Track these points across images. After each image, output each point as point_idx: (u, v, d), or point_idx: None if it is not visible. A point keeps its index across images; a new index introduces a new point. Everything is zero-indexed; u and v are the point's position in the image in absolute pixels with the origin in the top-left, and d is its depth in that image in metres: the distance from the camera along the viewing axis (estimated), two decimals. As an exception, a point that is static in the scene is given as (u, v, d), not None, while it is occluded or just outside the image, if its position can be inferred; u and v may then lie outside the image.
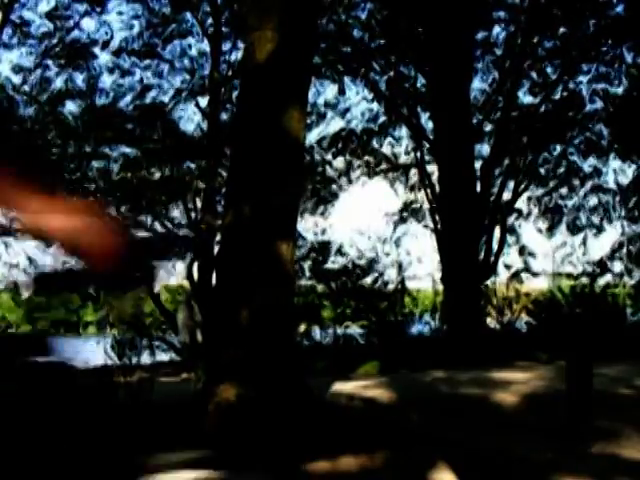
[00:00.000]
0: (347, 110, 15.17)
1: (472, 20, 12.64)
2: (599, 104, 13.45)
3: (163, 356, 15.42)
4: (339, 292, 14.15)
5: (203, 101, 14.97)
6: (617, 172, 14.45)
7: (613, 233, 14.80)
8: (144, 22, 14.48)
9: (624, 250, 14.57)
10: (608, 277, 14.65)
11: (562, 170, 14.34)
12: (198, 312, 13.05)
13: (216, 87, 14.23)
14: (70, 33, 14.10)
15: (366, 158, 15.47)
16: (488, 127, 13.94)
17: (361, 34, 13.66)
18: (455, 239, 12.14)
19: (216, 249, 13.25)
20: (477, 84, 14.02)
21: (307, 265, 14.45)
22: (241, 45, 10.15)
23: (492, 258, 13.10)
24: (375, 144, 15.41)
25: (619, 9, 12.69)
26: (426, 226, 15.06)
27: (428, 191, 14.00)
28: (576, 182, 14.38)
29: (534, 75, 13.56)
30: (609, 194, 14.48)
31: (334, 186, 15.77)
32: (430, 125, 13.68)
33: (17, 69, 14.21)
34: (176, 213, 15.85)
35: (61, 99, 14.31)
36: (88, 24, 14.57)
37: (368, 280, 14.54)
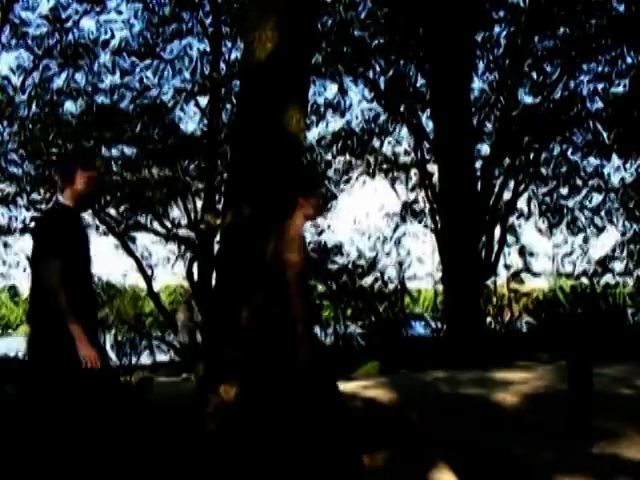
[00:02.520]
0: (347, 110, 15.18)
1: (472, 19, 12.62)
2: (600, 104, 13.45)
3: (163, 356, 15.44)
4: (339, 292, 14.15)
5: (203, 101, 14.99)
6: (618, 171, 14.45)
7: (614, 233, 14.81)
8: (144, 22, 14.50)
9: (625, 250, 14.56)
10: (609, 277, 14.65)
11: (563, 170, 14.33)
12: (198, 312, 13.08)
13: (216, 87, 14.22)
14: (69, 33, 14.10)
15: (366, 158, 15.46)
16: (488, 127, 13.95)
17: (361, 33, 13.65)
18: (455, 239, 12.13)
19: (216, 249, 13.24)
20: (477, 84, 14.03)
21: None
22: (241, 45, 10.15)
23: (492, 258, 13.09)
24: (375, 144, 15.42)
25: (620, 8, 12.68)
26: (426, 226, 15.07)
27: (428, 191, 14.00)
28: (578, 182, 14.35)
29: (534, 75, 13.55)
30: (610, 194, 14.46)
31: (334, 186, 15.77)
32: (430, 125, 13.69)
33: (17, 69, 14.22)
34: (176, 213, 15.88)
35: (61, 99, 14.31)
36: (88, 24, 14.59)
37: (368, 280, 14.54)
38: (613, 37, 12.58)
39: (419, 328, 14.16)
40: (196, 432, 5.10)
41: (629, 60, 13.10)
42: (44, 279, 3.82)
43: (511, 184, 13.68)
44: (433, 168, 13.68)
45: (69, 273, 3.86)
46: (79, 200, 4.11)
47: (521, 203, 14.55)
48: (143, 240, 17.17)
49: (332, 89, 15.11)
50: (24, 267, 16.12)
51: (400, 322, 13.47)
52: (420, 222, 15.40)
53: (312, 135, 14.81)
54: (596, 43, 12.82)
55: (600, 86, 13.35)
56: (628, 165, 14.23)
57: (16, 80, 14.22)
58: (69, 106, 14.48)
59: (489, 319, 13.81)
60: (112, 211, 15.12)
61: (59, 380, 3.82)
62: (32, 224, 4.24)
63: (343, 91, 14.70)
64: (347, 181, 15.82)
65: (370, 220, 25.51)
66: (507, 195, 13.69)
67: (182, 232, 16.05)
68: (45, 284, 3.81)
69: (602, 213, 14.63)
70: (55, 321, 3.78)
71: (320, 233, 15.09)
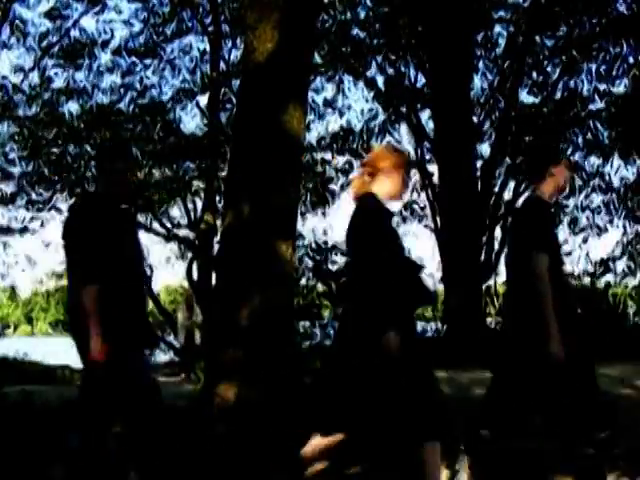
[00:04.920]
0: (347, 109, 15.17)
1: (472, 19, 12.61)
2: (600, 104, 13.42)
3: (163, 356, 15.42)
4: (339, 292, 14.11)
5: (203, 100, 14.97)
6: (619, 171, 14.41)
7: (615, 233, 14.77)
8: (143, 21, 14.49)
9: (626, 250, 14.53)
10: (610, 277, 14.62)
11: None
12: (199, 312, 13.06)
13: (216, 86, 14.20)
14: (69, 32, 14.10)
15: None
16: (488, 127, 13.92)
17: (360, 32, 13.64)
18: (456, 239, 12.12)
19: (216, 249, 13.22)
20: (477, 83, 14.01)
21: (307, 265, 14.41)
22: (241, 44, 10.13)
23: (493, 258, 13.06)
24: (375, 143, 15.38)
25: (620, 8, 12.67)
26: (426, 226, 15.03)
27: (429, 191, 13.97)
28: (578, 182, 14.31)
29: (534, 74, 13.53)
30: (611, 193, 14.41)
31: (334, 185, 15.75)
32: (430, 124, 13.66)
33: (16, 69, 14.21)
34: (176, 213, 15.86)
35: (61, 98, 14.29)
36: (88, 23, 14.58)
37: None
38: (613, 37, 12.57)
39: (419, 328, 14.11)
40: (197, 432, 5.09)
41: (630, 60, 13.09)
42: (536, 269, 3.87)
43: (511, 184, 13.66)
44: (433, 168, 13.67)
45: None
46: None
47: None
48: (143, 240, 17.17)
49: (332, 88, 15.08)
50: (23, 267, 16.12)
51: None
52: (420, 222, 15.36)
53: (312, 135, 14.80)
54: (596, 43, 12.81)
55: (601, 86, 13.34)
56: (631, 164, 14.20)
57: (16, 79, 14.23)
58: (69, 106, 14.48)
59: (489, 319, 13.78)
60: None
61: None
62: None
63: (342, 90, 14.70)
64: (347, 181, 15.80)
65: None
66: (507, 195, 13.67)
67: (182, 232, 16.03)
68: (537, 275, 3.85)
69: (603, 213, 14.59)
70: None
71: (323, 232, 15.04)
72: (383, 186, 3.75)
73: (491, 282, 13.77)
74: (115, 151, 4.25)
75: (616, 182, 14.43)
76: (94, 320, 3.71)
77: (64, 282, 17.91)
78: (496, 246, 13.17)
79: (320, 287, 14.48)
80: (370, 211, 3.68)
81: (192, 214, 15.56)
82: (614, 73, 13.16)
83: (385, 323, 3.53)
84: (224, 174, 12.23)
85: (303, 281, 14.14)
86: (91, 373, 3.85)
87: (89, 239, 3.81)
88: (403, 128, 14.98)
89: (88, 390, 3.92)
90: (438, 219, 13.26)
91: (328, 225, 15.42)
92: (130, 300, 3.92)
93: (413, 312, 3.76)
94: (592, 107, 13.44)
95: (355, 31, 13.71)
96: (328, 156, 15.30)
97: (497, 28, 13.86)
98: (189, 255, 16.00)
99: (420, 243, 15.64)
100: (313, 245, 14.61)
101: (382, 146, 4.10)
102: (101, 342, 3.71)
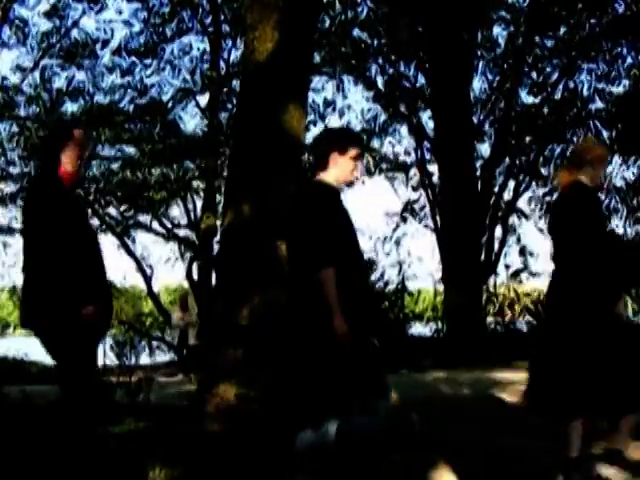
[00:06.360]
0: (347, 109, 15.18)
1: (472, 19, 12.61)
2: (600, 104, 13.43)
3: (163, 356, 15.44)
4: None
5: (203, 100, 14.98)
6: (620, 171, 14.40)
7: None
8: (143, 21, 14.49)
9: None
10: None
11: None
12: (195, 312, 13.06)
13: (216, 86, 14.22)
14: (69, 32, 14.11)
15: (366, 158, 15.44)
16: (488, 127, 13.93)
17: (361, 33, 13.65)
18: (456, 239, 12.12)
19: (216, 249, 13.23)
20: (477, 84, 14.03)
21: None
22: (241, 44, 10.14)
23: (492, 258, 13.07)
24: (375, 144, 15.41)
25: (620, 8, 12.67)
26: (427, 226, 15.04)
27: (429, 191, 13.98)
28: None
29: (534, 75, 13.54)
30: (611, 194, 14.40)
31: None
32: (431, 124, 13.67)
33: (16, 68, 14.22)
34: (176, 213, 15.88)
35: (61, 98, 14.30)
36: (88, 23, 14.59)
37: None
38: (613, 37, 12.58)
39: (419, 328, 14.16)
40: (196, 432, 5.09)
41: (629, 60, 13.10)
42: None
43: (511, 184, 13.67)
44: (433, 168, 13.68)
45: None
46: None
47: (521, 203, 14.53)
48: (143, 240, 17.22)
49: (332, 88, 15.12)
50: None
51: (400, 322, 13.46)
52: (420, 222, 15.38)
53: (312, 135, 14.81)
54: (596, 43, 12.81)
55: (600, 86, 13.34)
56: (630, 164, 14.19)
57: (16, 79, 14.24)
58: (69, 106, 14.50)
59: (489, 319, 13.79)
60: (112, 211, 15.13)
61: None
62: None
63: (342, 90, 14.71)
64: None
65: (370, 220, 25.52)
66: (507, 195, 13.68)
67: (182, 232, 16.05)
68: None
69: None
70: None
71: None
72: (589, 175, 4.14)
73: (491, 282, 13.78)
74: (352, 136, 4.16)
75: (617, 182, 14.44)
76: (334, 300, 3.68)
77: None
78: (496, 246, 13.19)
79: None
80: (586, 197, 4.08)
81: (192, 214, 15.58)
82: (614, 73, 13.18)
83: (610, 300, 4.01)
84: (224, 173, 12.25)
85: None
86: (336, 354, 3.72)
87: (326, 223, 3.77)
88: (403, 128, 15.02)
89: (332, 371, 3.77)
90: (438, 219, 13.26)
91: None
92: (358, 285, 3.86)
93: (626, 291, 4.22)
94: (592, 107, 13.46)
95: (355, 31, 13.72)
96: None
97: (497, 28, 13.89)
98: (189, 255, 16.03)
99: (420, 243, 15.64)
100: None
101: (587, 140, 4.49)
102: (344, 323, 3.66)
